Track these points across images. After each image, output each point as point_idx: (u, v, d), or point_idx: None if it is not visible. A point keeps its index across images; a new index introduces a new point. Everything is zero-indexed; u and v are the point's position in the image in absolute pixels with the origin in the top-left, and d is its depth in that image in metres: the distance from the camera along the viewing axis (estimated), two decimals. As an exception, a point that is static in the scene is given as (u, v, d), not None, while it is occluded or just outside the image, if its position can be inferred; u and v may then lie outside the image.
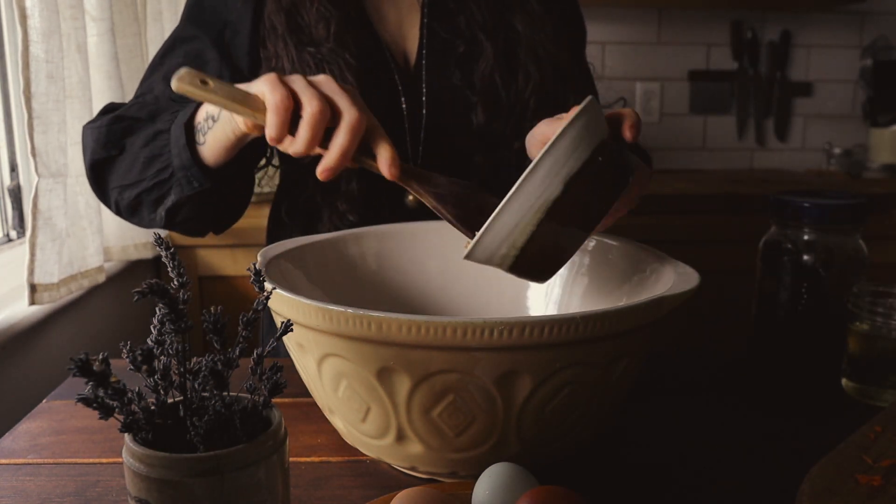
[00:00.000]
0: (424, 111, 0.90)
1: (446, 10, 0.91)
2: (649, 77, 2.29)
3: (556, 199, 0.54)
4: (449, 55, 0.90)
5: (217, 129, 0.69)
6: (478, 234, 0.55)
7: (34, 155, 1.02)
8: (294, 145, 0.59)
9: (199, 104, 0.72)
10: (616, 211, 0.61)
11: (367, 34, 0.89)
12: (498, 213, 0.54)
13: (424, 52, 0.90)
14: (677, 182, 2.00)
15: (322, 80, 0.61)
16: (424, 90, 0.90)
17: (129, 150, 0.78)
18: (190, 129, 0.72)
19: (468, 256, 0.57)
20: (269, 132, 0.59)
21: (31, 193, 1.03)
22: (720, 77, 2.31)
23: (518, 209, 0.54)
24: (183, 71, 0.58)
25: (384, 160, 0.61)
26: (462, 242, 0.78)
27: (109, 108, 0.85)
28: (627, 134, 0.58)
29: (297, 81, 0.60)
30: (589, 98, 0.56)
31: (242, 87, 0.61)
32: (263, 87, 0.59)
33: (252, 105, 0.60)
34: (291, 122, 0.59)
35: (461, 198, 0.63)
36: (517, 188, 0.54)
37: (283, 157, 0.96)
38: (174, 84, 0.58)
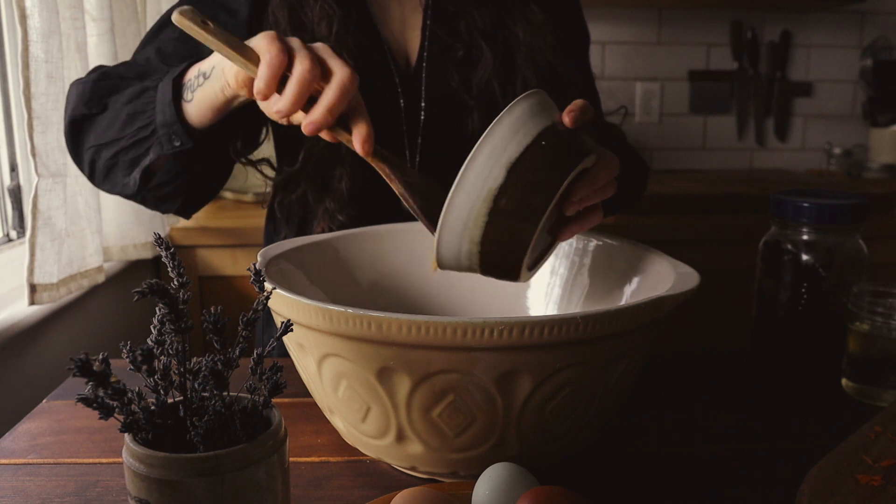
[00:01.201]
0: (423, 114, 0.90)
1: (448, 14, 0.91)
2: (649, 77, 2.29)
3: (501, 185, 0.53)
4: (449, 58, 0.90)
5: (206, 86, 0.69)
6: (436, 234, 0.55)
7: (34, 155, 1.02)
8: (279, 103, 0.59)
9: (190, 63, 0.72)
10: (587, 199, 0.60)
11: (370, 34, 0.89)
12: (448, 207, 0.54)
13: (425, 54, 0.90)
14: (677, 182, 2.00)
15: (319, 45, 0.62)
16: (423, 92, 0.90)
17: (111, 108, 0.77)
18: (178, 87, 0.72)
19: (439, 264, 0.57)
20: (258, 84, 0.59)
21: (31, 193, 1.03)
22: (720, 77, 2.31)
23: (465, 200, 0.53)
24: (186, 7, 0.59)
25: (359, 135, 0.61)
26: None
27: (99, 68, 0.84)
28: (566, 119, 0.57)
29: (294, 41, 0.60)
30: (534, 90, 0.56)
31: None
32: (260, 42, 0.60)
33: (246, 55, 0.60)
34: (281, 83, 0.59)
35: (429, 191, 0.62)
36: (460, 178, 0.53)
37: (279, 148, 0.96)
38: (175, 17, 0.58)
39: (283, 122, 0.62)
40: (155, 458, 0.40)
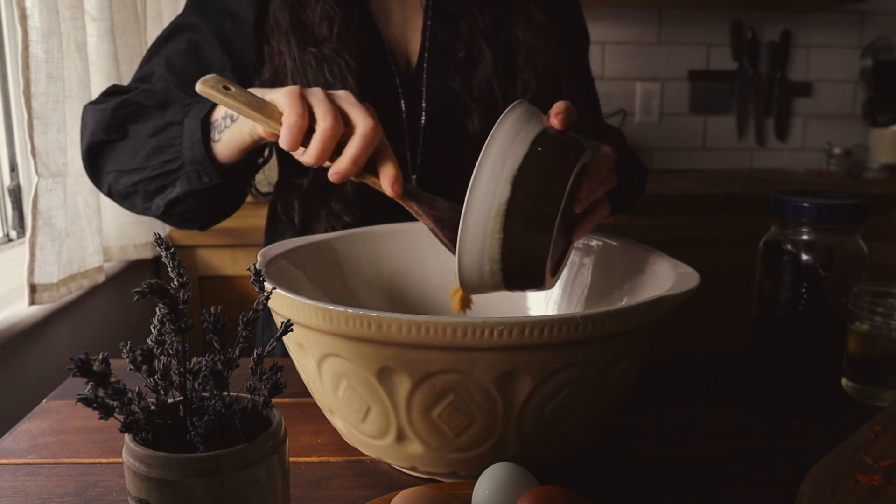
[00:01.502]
0: (423, 115, 0.90)
1: (449, 14, 0.91)
2: (649, 77, 2.29)
3: (509, 199, 0.54)
4: (449, 59, 0.90)
5: (234, 128, 0.70)
6: (455, 259, 0.56)
7: (34, 155, 1.02)
8: (304, 157, 0.61)
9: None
10: (592, 192, 0.60)
11: (370, 34, 0.89)
12: (462, 231, 0.54)
13: (426, 54, 0.90)
14: (677, 182, 2.00)
15: (342, 94, 0.63)
16: (424, 93, 0.90)
17: (132, 137, 0.78)
18: (205, 125, 0.73)
19: (464, 288, 0.58)
20: (282, 142, 0.61)
21: (31, 193, 1.03)
22: (720, 77, 2.31)
23: (477, 221, 0.54)
24: (209, 76, 0.61)
25: (388, 178, 0.62)
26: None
27: (113, 91, 0.84)
28: (554, 122, 0.58)
29: (315, 95, 0.61)
30: (517, 101, 0.57)
31: (262, 92, 0.63)
32: (283, 100, 0.61)
33: (269, 114, 0.61)
34: (306, 135, 0.61)
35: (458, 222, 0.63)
36: (468, 200, 0.54)
37: (281, 156, 0.96)
38: (198, 87, 0.61)
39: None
40: (155, 458, 0.40)
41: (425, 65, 0.90)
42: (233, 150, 0.72)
